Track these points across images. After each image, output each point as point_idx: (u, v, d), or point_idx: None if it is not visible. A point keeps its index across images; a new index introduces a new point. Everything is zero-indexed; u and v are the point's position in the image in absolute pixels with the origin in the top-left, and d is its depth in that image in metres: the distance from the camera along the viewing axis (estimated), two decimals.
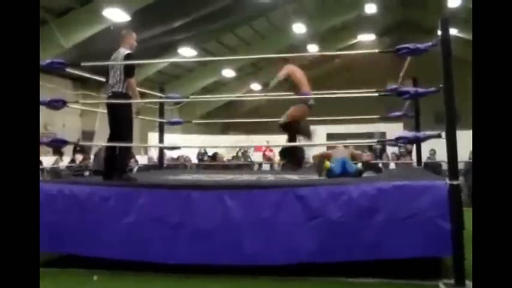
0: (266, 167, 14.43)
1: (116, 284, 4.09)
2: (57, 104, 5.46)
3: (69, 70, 6.06)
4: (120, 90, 5.21)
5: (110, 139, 5.35)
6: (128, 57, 5.26)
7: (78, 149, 13.23)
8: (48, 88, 15.10)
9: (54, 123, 18.31)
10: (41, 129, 17.64)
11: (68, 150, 13.94)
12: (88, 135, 18.46)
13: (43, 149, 14.60)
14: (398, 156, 12.50)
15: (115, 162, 5.29)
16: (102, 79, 5.58)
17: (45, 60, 5.75)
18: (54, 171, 12.71)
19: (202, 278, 4.12)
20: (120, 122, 5.22)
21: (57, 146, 6.87)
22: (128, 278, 4.22)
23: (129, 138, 5.25)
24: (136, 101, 5.43)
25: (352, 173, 5.34)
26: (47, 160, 13.60)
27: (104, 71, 5.45)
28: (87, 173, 11.33)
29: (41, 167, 12.02)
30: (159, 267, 4.24)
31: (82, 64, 5.59)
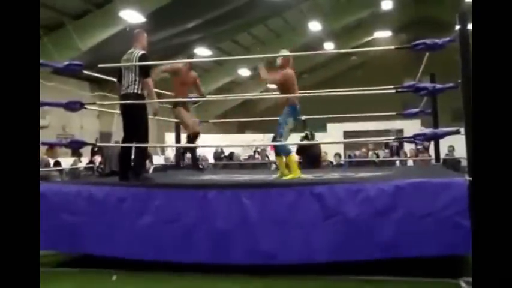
0: None
1: (134, 283, 4.11)
2: (74, 106, 5.50)
3: (86, 72, 6.10)
4: (134, 91, 5.21)
5: (124, 139, 5.36)
6: (142, 57, 5.25)
7: (96, 150, 13.34)
8: (65, 90, 15.29)
9: (72, 125, 18.52)
10: (59, 131, 17.90)
11: (86, 151, 14.08)
12: (105, 136, 18.64)
13: (62, 150, 14.79)
14: (416, 153, 12.40)
15: (130, 162, 5.31)
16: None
17: (62, 62, 5.81)
18: (73, 172, 12.84)
19: (218, 277, 4.12)
20: (136, 122, 5.22)
21: (76, 147, 6.93)
22: (145, 278, 4.24)
23: (145, 139, 5.25)
24: (153, 101, 5.43)
25: None
26: (66, 161, 13.75)
27: (118, 72, 5.45)
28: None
29: (59, 168, 12.15)
30: (175, 267, 4.25)
31: (99, 66, 5.62)
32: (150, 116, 5.42)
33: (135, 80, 5.20)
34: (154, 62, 6.06)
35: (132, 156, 5.37)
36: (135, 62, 5.21)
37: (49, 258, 4.96)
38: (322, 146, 11.65)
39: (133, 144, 5.22)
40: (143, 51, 5.31)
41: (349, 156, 13.87)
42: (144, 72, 5.22)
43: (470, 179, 3.81)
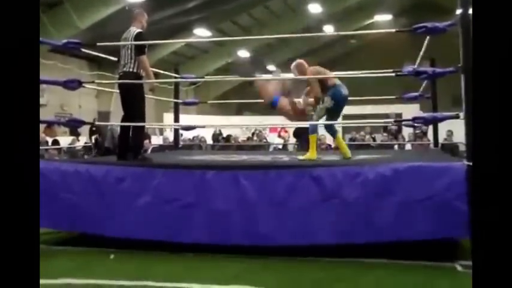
0: (280, 147, 14.40)
1: (132, 263, 4.13)
2: (72, 85, 5.49)
3: (84, 51, 6.07)
4: (131, 69, 5.21)
5: (123, 119, 5.37)
6: (138, 35, 5.24)
7: (94, 129, 13.34)
8: (64, 69, 15.23)
9: (70, 104, 18.49)
10: (58, 110, 17.89)
11: (84, 130, 14.09)
12: (104, 115, 18.61)
13: (60, 129, 14.80)
14: (414, 137, 12.40)
15: (128, 141, 5.32)
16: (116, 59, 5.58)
17: (60, 41, 5.78)
18: (71, 151, 12.86)
19: (216, 258, 4.15)
20: (132, 101, 5.23)
21: (74, 125, 6.93)
22: (143, 257, 4.26)
23: (142, 118, 5.25)
24: (151, 81, 5.44)
25: None
26: (64, 140, 13.75)
27: (118, 52, 5.45)
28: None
29: (58, 146, 12.16)
30: (173, 246, 4.27)
31: (98, 44, 5.60)
32: (148, 95, 5.42)
33: (132, 59, 5.20)
34: (151, 40, 6.05)
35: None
36: (131, 40, 5.21)
37: (47, 236, 4.98)
38: (321, 129, 11.64)
39: (131, 123, 5.22)
40: (139, 30, 5.31)
41: (351, 140, 13.83)
42: (139, 50, 5.22)
43: (469, 163, 3.82)
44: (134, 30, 5.29)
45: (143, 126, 5.57)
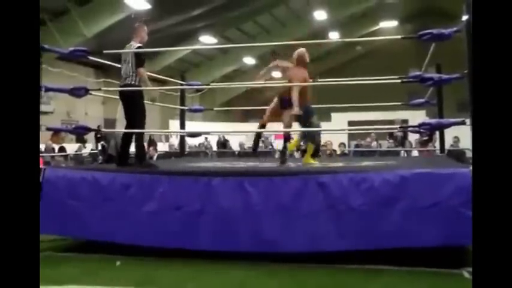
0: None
1: (138, 269, 4.13)
2: (79, 92, 5.55)
3: (91, 58, 6.12)
4: (132, 82, 5.32)
5: (126, 126, 5.45)
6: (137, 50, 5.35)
7: (99, 136, 13.40)
8: (71, 76, 15.32)
9: (76, 111, 18.59)
10: (64, 117, 17.97)
11: (90, 137, 14.16)
12: (110, 122, 18.66)
13: (67, 136, 14.87)
14: (421, 144, 12.36)
15: (129, 148, 5.44)
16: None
17: (67, 48, 5.82)
18: (78, 158, 12.91)
19: (222, 264, 4.13)
20: (133, 111, 5.33)
21: (80, 133, 6.97)
22: (149, 264, 4.26)
23: (142, 127, 5.33)
24: (156, 88, 5.49)
25: None
26: (71, 147, 13.82)
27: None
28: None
29: (64, 153, 12.22)
30: (179, 254, 4.27)
31: (104, 52, 5.64)
32: (155, 103, 5.47)
33: (133, 72, 5.31)
34: (155, 48, 6.10)
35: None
36: (132, 55, 5.28)
37: (54, 243, 5.00)
38: (326, 135, 11.65)
39: (136, 130, 5.27)
40: (139, 44, 5.39)
41: (356, 146, 13.80)
42: (138, 62, 5.31)
43: None
44: (134, 45, 5.38)
45: (142, 133, 5.63)
